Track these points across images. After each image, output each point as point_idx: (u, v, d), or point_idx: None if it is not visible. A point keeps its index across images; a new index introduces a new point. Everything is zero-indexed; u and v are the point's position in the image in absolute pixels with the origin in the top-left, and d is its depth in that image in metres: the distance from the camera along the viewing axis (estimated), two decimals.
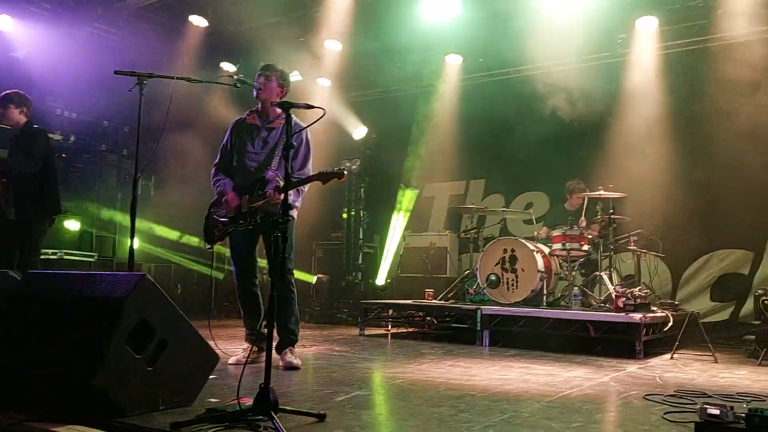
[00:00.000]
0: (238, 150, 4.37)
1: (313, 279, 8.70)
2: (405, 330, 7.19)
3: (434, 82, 8.85)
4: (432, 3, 7.17)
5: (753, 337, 5.37)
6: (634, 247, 6.39)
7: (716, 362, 5.08)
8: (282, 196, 3.88)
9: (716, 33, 7.21)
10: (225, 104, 8.63)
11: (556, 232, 6.47)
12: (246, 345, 4.41)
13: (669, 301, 7.03)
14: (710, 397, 3.45)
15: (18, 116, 4.98)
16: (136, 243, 3.83)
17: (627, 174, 6.95)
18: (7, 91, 5.04)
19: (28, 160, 4.85)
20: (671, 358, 5.25)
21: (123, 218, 9.12)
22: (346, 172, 3.68)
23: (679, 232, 7.22)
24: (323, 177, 3.76)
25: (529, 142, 7.92)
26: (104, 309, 2.62)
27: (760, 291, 5.48)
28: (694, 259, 7.51)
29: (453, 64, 8.65)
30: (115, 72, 3.74)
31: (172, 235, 9.44)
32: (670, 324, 5.74)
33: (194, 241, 9.31)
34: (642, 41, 7.53)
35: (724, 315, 7.24)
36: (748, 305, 6.78)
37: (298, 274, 5.62)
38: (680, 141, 7.37)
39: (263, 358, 2.86)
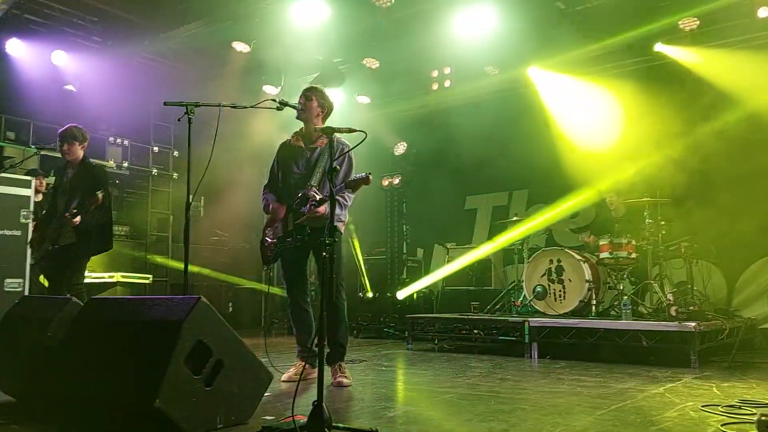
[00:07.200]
0: (284, 171, 4.50)
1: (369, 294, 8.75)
2: (451, 343, 7.17)
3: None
4: (470, 18, 7.22)
5: None
6: (686, 254, 6.22)
7: None
8: (323, 208, 3.98)
9: None
10: (272, 126, 8.84)
11: (602, 241, 6.38)
12: (298, 362, 4.50)
13: (724, 307, 6.84)
14: None
15: (79, 152, 5.15)
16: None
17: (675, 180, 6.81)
18: (70, 126, 5.16)
19: (101, 210, 4.93)
20: (728, 366, 5.10)
21: (175, 240, 9.42)
22: (370, 176, 3.66)
23: (733, 235, 7.00)
24: (351, 184, 3.77)
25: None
26: (163, 332, 2.74)
27: None
28: (751, 263, 7.26)
29: (491, 73, 8.64)
30: (165, 103, 3.90)
31: (221, 254, 9.69)
32: (726, 331, 5.58)
33: (244, 259, 9.54)
34: None
35: None
36: None
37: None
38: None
39: (315, 375, 2.92)
